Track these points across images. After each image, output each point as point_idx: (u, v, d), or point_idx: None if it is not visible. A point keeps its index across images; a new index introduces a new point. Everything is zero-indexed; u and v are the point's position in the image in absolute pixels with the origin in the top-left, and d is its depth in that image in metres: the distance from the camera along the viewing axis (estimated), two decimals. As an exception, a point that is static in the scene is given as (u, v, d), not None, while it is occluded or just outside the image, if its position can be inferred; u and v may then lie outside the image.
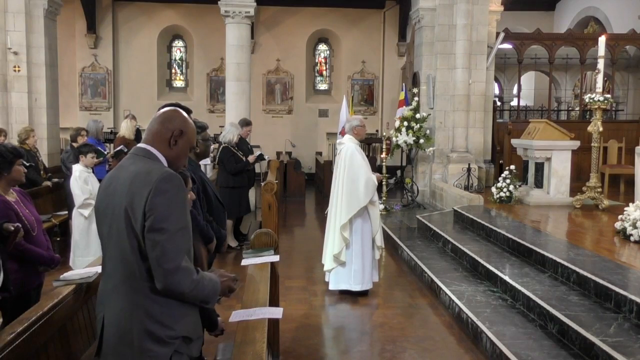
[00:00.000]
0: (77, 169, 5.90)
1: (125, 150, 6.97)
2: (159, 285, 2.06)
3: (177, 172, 2.35)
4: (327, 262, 5.79)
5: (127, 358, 2.11)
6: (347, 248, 5.67)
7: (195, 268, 2.14)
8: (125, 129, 8.23)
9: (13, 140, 8.28)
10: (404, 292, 5.94)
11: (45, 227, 5.99)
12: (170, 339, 2.11)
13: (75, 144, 7.31)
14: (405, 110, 10.15)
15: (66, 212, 7.03)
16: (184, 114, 2.33)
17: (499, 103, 14.33)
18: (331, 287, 5.79)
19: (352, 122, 5.90)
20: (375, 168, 9.92)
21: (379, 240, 5.80)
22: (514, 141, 8.87)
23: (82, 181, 5.81)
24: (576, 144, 8.01)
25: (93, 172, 6.16)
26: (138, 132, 8.54)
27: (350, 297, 5.72)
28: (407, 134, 9.87)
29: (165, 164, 2.22)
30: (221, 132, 8.16)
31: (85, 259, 5.55)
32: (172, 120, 2.26)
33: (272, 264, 3.72)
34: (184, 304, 2.16)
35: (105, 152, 7.50)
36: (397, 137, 10.02)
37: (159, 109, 2.41)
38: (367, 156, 13.76)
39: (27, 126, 8.33)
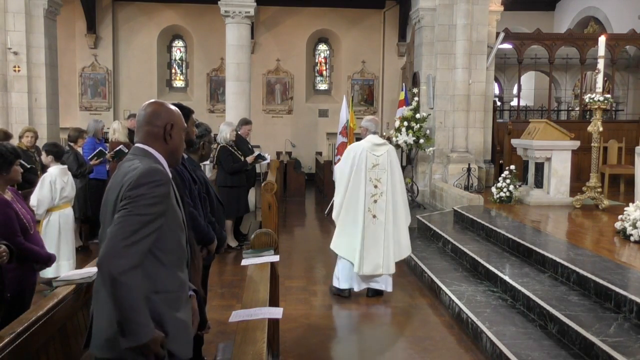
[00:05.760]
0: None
1: (126, 150, 6.95)
2: (98, 259, 2.02)
3: (179, 161, 2.39)
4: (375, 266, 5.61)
5: (104, 352, 2.15)
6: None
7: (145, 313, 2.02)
8: (117, 132, 8.06)
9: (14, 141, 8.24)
10: (404, 292, 5.94)
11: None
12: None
13: (74, 145, 7.28)
14: (405, 110, 10.15)
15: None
16: (167, 104, 2.33)
17: (499, 103, 14.31)
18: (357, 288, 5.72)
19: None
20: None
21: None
22: (514, 141, 8.87)
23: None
24: (576, 144, 8.01)
25: (86, 173, 6.55)
26: (131, 133, 8.27)
27: (351, 297, 5.73)
28: (407, 134, 9.87)
29: (164, 159, 2.25)
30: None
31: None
32: (159, 116, 2.26)
33: (272, 264, 3.71)
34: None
35: (106, 152, 7.47)
36: (397, 137, 10.01)
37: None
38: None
39: (30, 127, 8.20)
